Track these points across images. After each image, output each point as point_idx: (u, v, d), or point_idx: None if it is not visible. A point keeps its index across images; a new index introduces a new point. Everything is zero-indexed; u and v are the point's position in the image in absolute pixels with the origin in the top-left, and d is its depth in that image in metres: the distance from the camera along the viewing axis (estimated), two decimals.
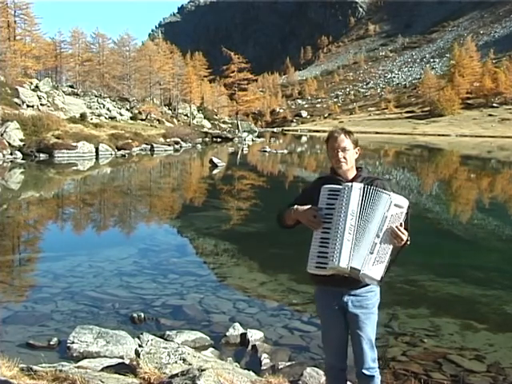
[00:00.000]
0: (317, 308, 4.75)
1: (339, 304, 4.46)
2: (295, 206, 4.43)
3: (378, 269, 4.22)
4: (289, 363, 7.93)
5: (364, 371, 4.51)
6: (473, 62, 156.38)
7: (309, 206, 4.33)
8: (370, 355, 4.50)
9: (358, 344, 4.50)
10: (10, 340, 8.62)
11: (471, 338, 9.06)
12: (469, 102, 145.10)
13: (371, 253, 4.17)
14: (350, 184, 4.26)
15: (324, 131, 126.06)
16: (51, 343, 8.46)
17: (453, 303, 11.01)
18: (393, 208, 4.20)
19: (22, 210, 22.65)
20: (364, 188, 4.21)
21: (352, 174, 4.48)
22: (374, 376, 4.55)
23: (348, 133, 4.50)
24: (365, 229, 4.18)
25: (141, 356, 6.40)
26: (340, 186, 4.28)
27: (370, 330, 4.49)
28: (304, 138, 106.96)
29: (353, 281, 4.31)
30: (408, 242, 4.29)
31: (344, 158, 4.42)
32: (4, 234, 17.61)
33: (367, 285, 4.40)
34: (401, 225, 4.22)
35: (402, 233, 4.20)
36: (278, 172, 43.39)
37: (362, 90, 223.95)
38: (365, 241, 4.18)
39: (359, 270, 4.16)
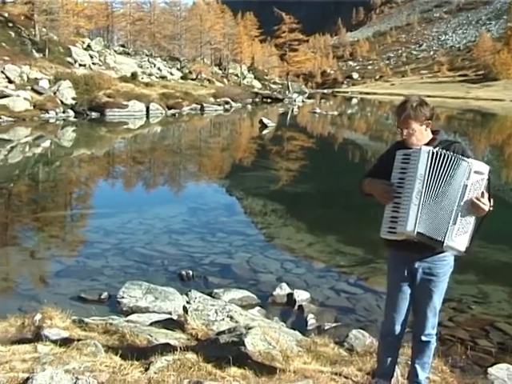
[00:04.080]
0: (387, 271, 4.64)
1: (409, 270, 4.38)
2: (368, 179, 4.36)
3: (462, 239, 4.10)
4: (334, 324, 7.92)
5: (423, 337, 4.50)
6: None
7: (381, 181, 4.26)
8: (432, 322, 4.47)
9: (422, 310, 4.46)
10: (62, 293, 8.82)
11: None
12: None
13: (454, 223, 4.05)
14: (418, 148, 4.13)
15: (375, 93, 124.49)
16: (102, 297, 8.63)
17: (502, 271, 10.81)
18: (473, 175, 4.03)
19: (73, 167, 23.00)
20: (435, 152, 4.04)
21: (426, 140, 4.28)
22: (430, 342, 4.54)
23: (416, 111, 4.20)
24: (440, 196, 4.05)
25: (188, 312, 6.47)
26: (411, 150, 4.17)
27: (436, 298, 4.42)
28: (354, 100, 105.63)
29: (425, 247, 4.21)
30: (491, 209, 4.11)
31: (409, 137, 4.25)
32: (57, 190, 17.93)
33: (440, 252, 4.29)
34: (482, 193, 4.06)
35: (484, 203, 4.04)
36: (327, 134, 43.04)
37: (415, 53, 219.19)
38: (440, 209, 4.06)
39: (440, 241, 4.07)
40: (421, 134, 4.24)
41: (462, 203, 4.05)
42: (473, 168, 4.03)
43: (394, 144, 4.47)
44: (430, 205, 4.05)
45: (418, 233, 4.06)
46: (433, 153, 4.05)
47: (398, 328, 4.52)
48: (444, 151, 4.06)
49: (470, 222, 4.11)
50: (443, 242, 4.07)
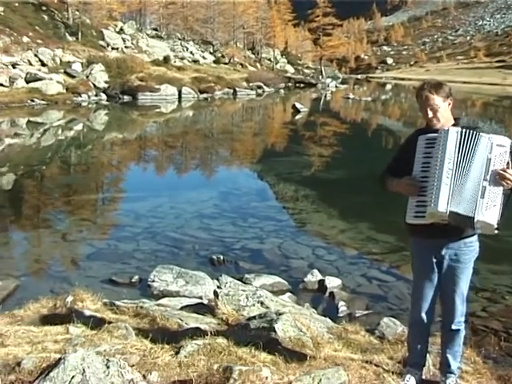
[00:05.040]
0: (412, 259, 4.64)
1: (436, 256, 4.37)
2: (395, 182, 4.34)
3: (492, 213, 4.07)
4: (366, 312, 7.91)
5: (453, 326, 4.48)
6: None
7: (405, 178, 4.24)
8: (460, 309, 4.45)
9: (450, 298, 4.43)
10: (94, 276, 8.93)
11: None
12: None
13: (482, 197, 4.05)
14: (446, 128, 4.15)
15: (409, 79, 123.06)
16: (132, 281, 8.71)
17: None
18: (495, 148, 4.06)
19: (105, 150, 23.21)
20: (462, 131, 4.07)
21: (449, 124, 4.28)
22: (459, 330, 4.52)
23: (436, 87, 4.25)
24: (467, 173, 4.05)
25: (219, 297, 6.48)
26: (437, 134, 4.17)
27: (463, 284, 4.40)
28: (388, 86, 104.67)
29: (451, 232, 4.22)
30: None
31: (434, 116, 4.24)
32: (88, 174, 18.12)
33: (466, 237, 4.29)
34: (507, 165, 4.07)
35: (510, 173, 4.03)
36: (361, 119, 42.77)
37: (451, 38, 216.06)
38: (469, 185, 4.05)
39: (471, 217, 4.04)
40: (445, 110, 4.27)
41: (488, 176, 4.06)
42: (494, 142, 4.08)
43: (413, 132, 4.47)
44: (459, 183, 4.06)
45: (450, 212, 4.04)
46: (461, 132, 4.07)
47: (425, 316, 4.52)
48: (470, 130, 4.09)
49: (498, 194, 4.10)
50: (473, 218, 4.04)
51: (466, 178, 4.06)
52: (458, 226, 4.19)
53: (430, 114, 4.24)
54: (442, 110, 4.25)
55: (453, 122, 4.32)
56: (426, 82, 4.38)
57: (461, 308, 4.45)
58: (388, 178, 4.44)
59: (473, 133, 4.07)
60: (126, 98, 43.12)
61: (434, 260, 4.37)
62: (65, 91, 39.63)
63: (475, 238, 4.35)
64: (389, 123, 38.85)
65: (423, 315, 4.52)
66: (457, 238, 4.30)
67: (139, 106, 40.57)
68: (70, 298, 6.40)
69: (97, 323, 5.45)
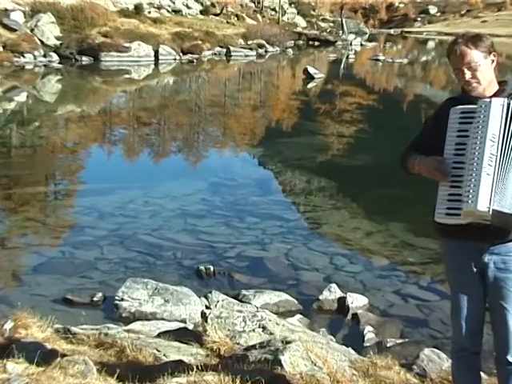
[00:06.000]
0: (446, 269, 4.56)
1: (477, 265, 4.24)
2: (418, 159, 4.26)
3: None
4: (400, 341, 7.93)
5: (508, 357, 4.29)
6: None
7: (431, 158, 4.16)
8: None
9: (501, 321, 4.28)
10: (42, 294, 8.94)
11: None
12: None
13: None
14: (487, 100, 4.02)
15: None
16: (94, 299, 8.73)
17: None
18: None
19: (58, 128, 23.24)
20: (509, 104, 3.95)
21: (492, 89, 4.21)
22: None
23: (475, 40, 4.14)
24: None
25: (208, 320, 6.49)
26: (475, 106, 4.05)
27: None
28: (431, 44, 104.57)
29: (497, 233, 4.08)
30: None
31: (473, 77, 4.13)
32: (35, 159, 18.06)
33: None
34: None
35: None
36: (393, 88, 42.77)
37: None
38: None
39: None
40: (487, 69, 4.16)
41: None
42: None
43: (444, 102, 4.41)
44: (504, 173, 3.96)
45: (493, 211, 3.93)
46: (508, 105, 3.96)
47: (471, 341, 4.41)
48: None
49: None
50: None
51: None
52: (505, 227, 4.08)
53: (468, 75, 4.13)
54: (484, 69, 4.14)
55: (497, 87, 4.23)
56: (458, 36, 4.28)
57: None
58: (410, 155, 4.38)
59: None
60: (85, 59, 42.76)
61: (475, 269, 4.26)
62: (1, 49, 39.28)
63: None
64: (431, 93, 38.84)
65: (465, 340, 4.42)
66: (504, 239, 4.16)
67: (103, 71, 40.49)
68: (9, 325, 6.36)
69: (46, 357, 5.43)
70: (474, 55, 4.09)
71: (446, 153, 4.13)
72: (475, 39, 4.14)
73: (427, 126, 4.48)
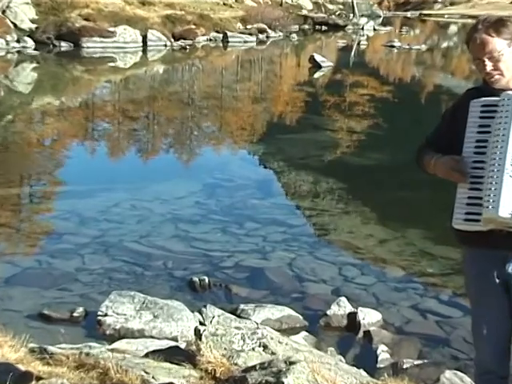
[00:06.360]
0: (465, 281, 4.52)
1: (500, 275, 4.19)
2: (434, 159, 4.22)
3: None
4: (418, 362, 7.92)
5: None
6: None
7: (448, 157, 4.11)
8: None
9: None
10: (16, 309, 8.93)
11: None
12: None
13: None
14: (511, 93, 3.98)
15: None
16: (75, 315, 8.71)
17: None
18: None
19: (34, 123, 23.24)
20: None
21: None
22: None
23: (497, 26, 4.05)
24: None
25: (203, 338, 6.48)
26: (497, 98, 4.00)
27: None
28: (453, 28, 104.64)
29: None
30: None
31: (495, 68, 4.07)
32: (8, 156, 18.02)
33: None
34: None
35: None
36: (410, 78, 42.84)
37: None
38: None
39: None
40: (511, 59, 4.09)
41: None
42: None
43: (464, 93, 4.38)
44: None
45: None
46: None
47: (497, 363, 4.33)
48: None
49: None
50: None
51: None
52: None
53: (489, 67, 4.06)
54: (507, 58, 4.07)
55: None
56: (480, 19, 4.18)
57: None
58: (426, 153, 4.33)
59: None
60: (65, 45, 42.62)
61: (498, 280, 4.21)
62: None
63: None
64: (452, 84, 38.92)
65: (490, 361, 4.35)
66: None
67: (84, 58, 40.46)
68: None
69: (19, 380, 5.41)
70: (497, 44, 4.02)
71: (464, 151, 4.08)
72: (498, 25, 4.05)
73: (444, 120, 4.43)
